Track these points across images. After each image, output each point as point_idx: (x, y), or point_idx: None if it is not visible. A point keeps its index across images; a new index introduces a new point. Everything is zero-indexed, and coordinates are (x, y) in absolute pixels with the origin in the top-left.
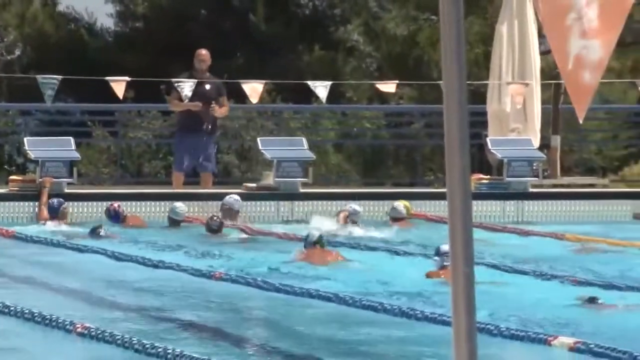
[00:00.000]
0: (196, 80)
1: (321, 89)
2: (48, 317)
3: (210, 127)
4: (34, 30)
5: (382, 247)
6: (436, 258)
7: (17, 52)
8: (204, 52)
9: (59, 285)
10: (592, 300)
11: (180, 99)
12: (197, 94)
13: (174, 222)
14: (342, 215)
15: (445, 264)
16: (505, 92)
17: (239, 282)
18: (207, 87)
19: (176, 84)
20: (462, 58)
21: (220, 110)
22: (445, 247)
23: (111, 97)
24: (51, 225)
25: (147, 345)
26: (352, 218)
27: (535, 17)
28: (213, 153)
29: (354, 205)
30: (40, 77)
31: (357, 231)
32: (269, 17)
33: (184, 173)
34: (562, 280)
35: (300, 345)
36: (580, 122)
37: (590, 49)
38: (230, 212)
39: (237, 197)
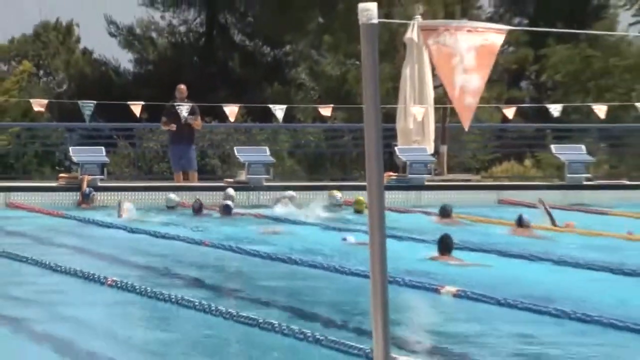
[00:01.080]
0: (178, 104)
1: (279, 112)
2: (86, 273)
3: (189, 135)
4: (76, 71)
5: (317, 224)
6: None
7: (64, 86)
8: (182, 86)
9: (91, 250)
10: (442, 251)
11: (166, 122)
12: (176, 115)
13: (169, 207)
14: (283, 199)
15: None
16: (409, 113)
17: (220, 248)
18: (184, 111)
19: (167, 110)
20: (377, 91)
21: (196, 123)
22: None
23: (131, 117)
24: (86, 208)
25: (157, 293)
26: (291, 201)
27: (430, 61)
28: (194, 156)
29: (291, 192)
30: (80, 103)
31: (294, 210)
32: (243, 63)
33: (181, 171)
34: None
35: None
36: (466, 129)
37: (471, 81)
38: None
39: (231, 194)
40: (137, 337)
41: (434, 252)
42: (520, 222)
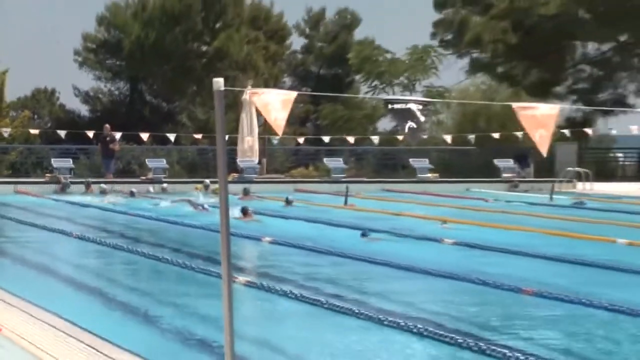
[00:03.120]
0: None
1: (172, 138)
2: (60, 229)
3: (111, 153)
4: (55, 116)
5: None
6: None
7: (49, 124)
8: (107, 125)
9: (62, 216)
10: (364, 234)
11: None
12: (104, 142)
13: (102, 192)
14: (201, 186)
15: None
16: (244, 140)
17: (126, 214)
18: (108, 139)
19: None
20: (224, 128)
21: (114, 146)
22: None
23: (86, 142)
24: (60, 193)
25: (98, 239)
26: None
27: (256, 109)
28: (113, 164)
29: (207, 181)
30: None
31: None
32: (150, 112)
33: (110, 173)
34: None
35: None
36: (282, 135)
37: (278, 117)
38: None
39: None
40: (90, 265)
41: (240, 215)
42: (244, 211)
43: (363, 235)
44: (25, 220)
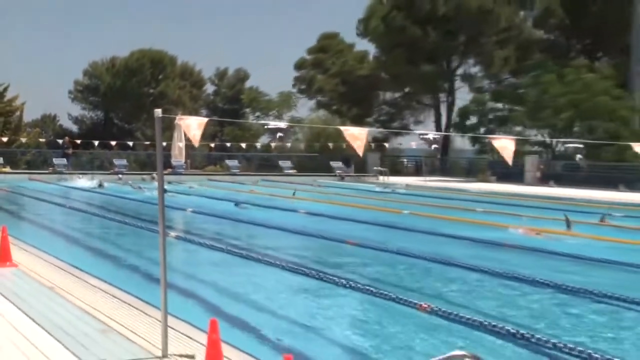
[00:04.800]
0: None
1: (130, 145)
2: (62, 202)
3: (67, 155)
4: (56, 132)
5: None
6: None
7: (52, 137)
8: (67, 138)
9: (63, 195)
10: (236, 204)
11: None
12: (64, 148)
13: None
14: (149, 177)
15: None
16: (176, 147)
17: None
18: (65, 146)
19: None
20: (161, 141)
21: (69, 152)
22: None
23: (75, 149)
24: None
25: (90, 211)
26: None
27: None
28: (69, 163)
29: (153, 173)
30: (60, 142)
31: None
32: (117, 132)
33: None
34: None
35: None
36: (198, 145)
37: (196, 134)
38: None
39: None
40: (76, 224)
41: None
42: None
43: (236, 205)
44: (34, 196)
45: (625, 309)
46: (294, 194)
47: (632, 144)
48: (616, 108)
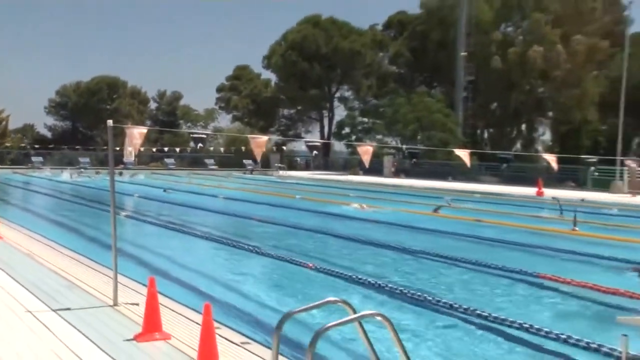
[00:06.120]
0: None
1: (98, 149)
2: (46, 190)
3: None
4: (34, 138)
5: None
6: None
7: (29, 141)
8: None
9: (42, 186)
10: (164, 190)
11: None
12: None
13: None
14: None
15: None
16: (127, 149)
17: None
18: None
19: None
20: (113, 145)
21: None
22: None
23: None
24: (38, 174)
25: (68, 199)
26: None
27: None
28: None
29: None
30: (32, 152)
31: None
32: (81, 138)
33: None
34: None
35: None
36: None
37: (138, 141)
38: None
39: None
40: (50, 206)
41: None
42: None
43: (164, 191)
44: (18, 185)
45: (408, 253)
46: (164, 191)
47: (456, 149)
48: (446, 122)
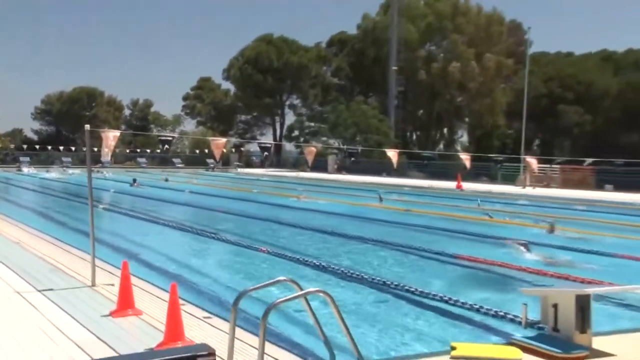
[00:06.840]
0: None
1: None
2: (29, 186)
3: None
4: (22, 140)
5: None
6: None
7: (15, 145)
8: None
9: (24, 183)
10: (131, 185)
11: None
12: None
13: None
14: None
15: None
16: (105, 151)
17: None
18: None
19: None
20: (90, 149)
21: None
22: None
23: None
24: (21, 173)
25: (47, 193)
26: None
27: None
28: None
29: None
30: (20, 154)
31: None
32: (65, 141)
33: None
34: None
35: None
36: (116, 150)
37: (112, 145)
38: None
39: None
40: (34, 200)
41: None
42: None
43: (131, 184)
44: (4, 181)
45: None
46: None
47: (388, 149)
48: (380, 126)
